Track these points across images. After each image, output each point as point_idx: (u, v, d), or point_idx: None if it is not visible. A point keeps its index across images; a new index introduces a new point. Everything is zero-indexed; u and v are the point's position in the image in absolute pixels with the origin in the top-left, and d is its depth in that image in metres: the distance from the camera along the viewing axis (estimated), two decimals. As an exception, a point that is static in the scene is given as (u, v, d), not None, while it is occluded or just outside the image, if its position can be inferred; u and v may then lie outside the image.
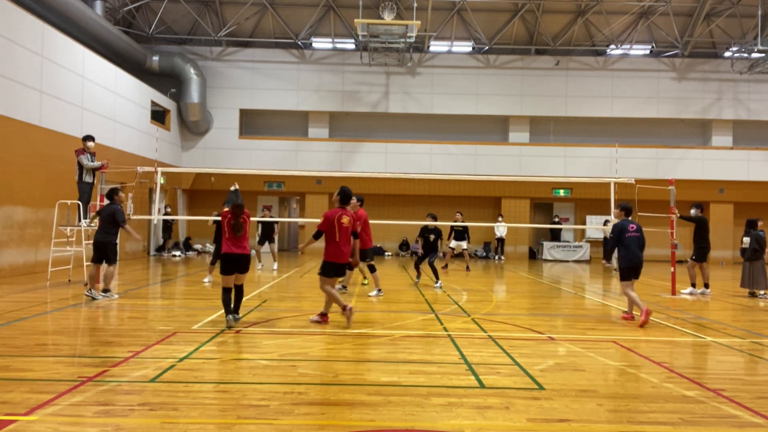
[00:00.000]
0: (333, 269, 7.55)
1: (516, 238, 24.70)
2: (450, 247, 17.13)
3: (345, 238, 7.52)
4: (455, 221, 17.08)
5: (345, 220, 7.51)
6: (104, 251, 9.45)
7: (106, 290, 9.60)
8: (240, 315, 7.31)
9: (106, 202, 9.97)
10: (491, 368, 5.49)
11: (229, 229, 7.18)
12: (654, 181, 15.08)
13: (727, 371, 5.67)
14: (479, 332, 7.31)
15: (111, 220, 9.45)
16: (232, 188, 8.98)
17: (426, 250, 12.70)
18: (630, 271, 8.45)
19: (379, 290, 10.79)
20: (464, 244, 17.26)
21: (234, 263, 7.13)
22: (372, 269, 11.02)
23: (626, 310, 8.78)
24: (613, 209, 13.08)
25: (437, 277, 12.53)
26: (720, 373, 5.59)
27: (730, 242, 24.17)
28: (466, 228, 17.24)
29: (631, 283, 8.46)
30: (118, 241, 9.87)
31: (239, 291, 7.36)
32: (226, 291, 7.23)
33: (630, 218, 8.78)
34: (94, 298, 9.26)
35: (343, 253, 7.53)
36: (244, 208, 7.36)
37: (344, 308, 7.38)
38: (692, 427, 4.02)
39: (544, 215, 26.09)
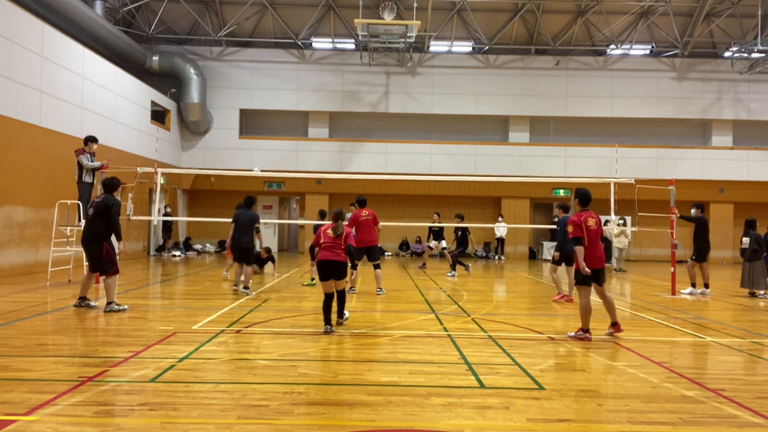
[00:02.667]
0: (586, 275, 7.02)
1: (516, 238, 24.71)
2: (429, 247, 17.20)
3: (595, 242, 7.07)
4: (433, 222, 16.99)
5: (591, 222, 7.06)
6: (246, 255, 10.36)
7: (245, 287, 10.42)
8: (346, 315, 7.59)
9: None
10: (491, 368, 5.49)
11: (324, 234, 7.26)
12: (654, 181, 15.09)
13: (727, 371, 5.67)
14: (479, 332, 7.31)
15: (252, 226, 10.46)
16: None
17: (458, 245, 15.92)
18: (562, 259, 10.41)
19: (351, 288, 11.04)
20: (443, 244, 17.26)
21: (329, 270, 7.12)
22: (353, 266, 11.08)
23: (561, 291, 10.59)
24: (616, 211, 13.11)
25: (454, 267, 15.34)
26: (720, 373, 5.59)
27: (730, 242, 24.18)
28: (442, 228, 17.21)
29: (557, 268, 10.66)
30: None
31: (339, 295, 7.38)
32: (327, 297, 7.17)
33: (568, 214, 10.28)
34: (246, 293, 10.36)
35: (596, 258, 7.03)
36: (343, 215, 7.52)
37: (584, 329, 7.02)
38: (692, 427, 4.02)
39: (544, 215, 26.09)
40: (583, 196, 7.33)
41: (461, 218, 15.98)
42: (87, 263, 8.72)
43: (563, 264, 10.48)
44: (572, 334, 7.09)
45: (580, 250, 7.00)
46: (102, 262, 8.27)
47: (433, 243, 17.15)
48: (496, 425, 3.99)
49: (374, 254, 11.14)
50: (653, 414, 4.27)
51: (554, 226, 13.14)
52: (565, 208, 10.87)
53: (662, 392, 4.82)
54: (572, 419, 4.13)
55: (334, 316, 7.29)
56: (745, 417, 4.25)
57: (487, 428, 3.94)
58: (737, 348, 6.73)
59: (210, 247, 23.91)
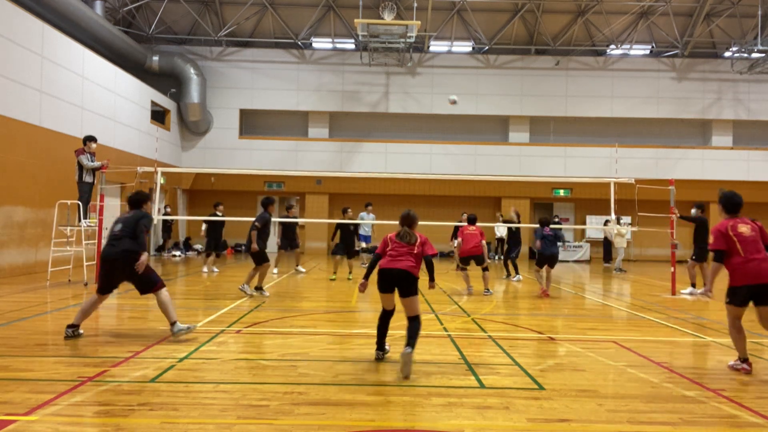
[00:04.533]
0: (741, 294, 5.57)
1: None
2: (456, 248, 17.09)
3: (753, 251, 5.60)
4: (460, 221, 17.10)
5: (744, 229, 5.74)
6: (252, 256, 10.17)
7: (258, 287, 10.31)
8: (412, 349, 5.36)
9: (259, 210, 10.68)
10: (491, 368, 5.49)
11: (390, 239, 5.72)
12: (654, 181, 15.10)
13: (727, 371, 5.66)
14: (479, 332, 7.31)
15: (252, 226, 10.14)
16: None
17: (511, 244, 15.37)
18: (540, 262, 11.31)
19: (469, 287, 11.69)
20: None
21: (390, 280, 5.55)
22: (461, 268, 12.11)
23: (542, 287, 11.30)
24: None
25: (516, 272, 14.74)
26: (720, 373, 5.58)
27: (730, 242, 24.15)
28: None
29: (539, 269, 11.39)
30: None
31: (410, 324, 5.50)
32: (384, 313, 5.75)
33: (546, 227, 11.28)
34: (248, 294, 10.18)
35: (757, 272, 5.47)
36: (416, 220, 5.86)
37: (743, 360, 5.64)
38: (692, 427, 4.02)
39: (544, 215, 26.07)
40: (727, 201, 5.93)
41: (517, 215, 15.34)
42: (100, 284, 6.71)
43: (546, 266, 11.33)
44: (731, 363, 5.77)
45: (716, 268, 5.70)
46: (149, 279, 6.60)
47: (456, 242, 17.14)
48: (496, 425, 3.99)
49: (481, 259, 11.68)
50: (653, 414, 4.27)
51: (555, 226, 13.24)
52: (543, 222, 11.48)
53: (662, 392, 4.82)
54: (572, 419, 4.13)
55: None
56: (745, 417, 4.25)
57: (487, 428, 3.94)
58: (737, 348, 6.71)
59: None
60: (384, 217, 19.83)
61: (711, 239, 5.80)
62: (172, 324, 6.49)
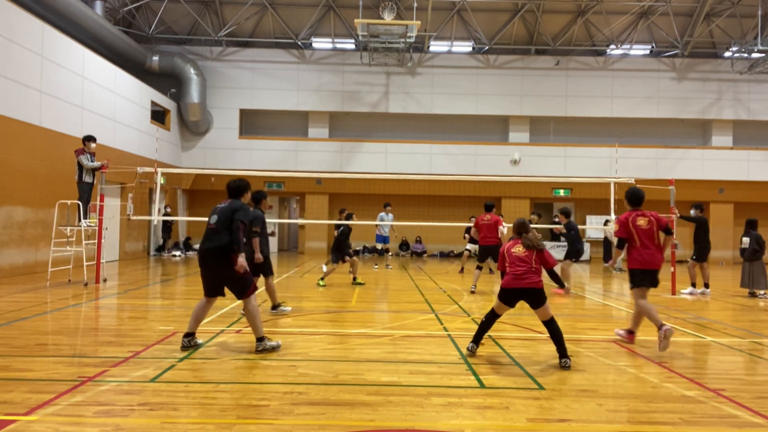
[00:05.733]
0: (639, 275, 6.60)
1: (516, 238, 24.69)
2: (467, 249, 17.02)
3: (648, 241, 6.58)
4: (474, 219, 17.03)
5: (641, 222, 6.61)
6: (257, 266, 7.73)
7: (274, 306, 8.51)
8: (570, 359, 5.63)
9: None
10: (491, 368, 5.49)
11: (509, 254, 5.94)
12: (654, 181, 15.09)
13: (727, 371, 5.66)
14: (479, 332, 7.30)
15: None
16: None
17: None
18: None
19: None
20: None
21: (516, 297, 5.85)
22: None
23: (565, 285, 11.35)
24: (613, 218, 13.09)
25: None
26: (720, 373, 5.58)
27: (730, 242, 24.17)
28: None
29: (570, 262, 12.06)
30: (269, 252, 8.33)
31: (550, 329, 5.74)
32: (493, 315, 6.03)
33: (570, 219, 12.09)
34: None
35: (651, 260, 6.55)
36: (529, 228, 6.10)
37: (660, 327, 6.25)
38: (692, 427, 4.02)
39: (544, 215, 26.09)
40: (631, 195, 6.89)
41: (567, 214, 12.33)
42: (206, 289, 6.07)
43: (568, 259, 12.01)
44: (620, 331, 6.99)
45: (617, 253, 6.95)
46: (243, 283, 5.92)
47: (470, 246, 17.11)
48: (496, 425, 3.99)
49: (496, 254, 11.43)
50: (653, 414, 4.27)
51: (555, 226, 13.24)
52: (567, 213, 11.91)
53: (662, 392, 4.82)
54: (572, 419, 4.12)
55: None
56: (745, 417, 4.25)
57: (487, 428, 3.94)
58: (737, 348, 6.72)
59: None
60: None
61: (615, 227, 6.70)
62: (258, 340, 5.90)
